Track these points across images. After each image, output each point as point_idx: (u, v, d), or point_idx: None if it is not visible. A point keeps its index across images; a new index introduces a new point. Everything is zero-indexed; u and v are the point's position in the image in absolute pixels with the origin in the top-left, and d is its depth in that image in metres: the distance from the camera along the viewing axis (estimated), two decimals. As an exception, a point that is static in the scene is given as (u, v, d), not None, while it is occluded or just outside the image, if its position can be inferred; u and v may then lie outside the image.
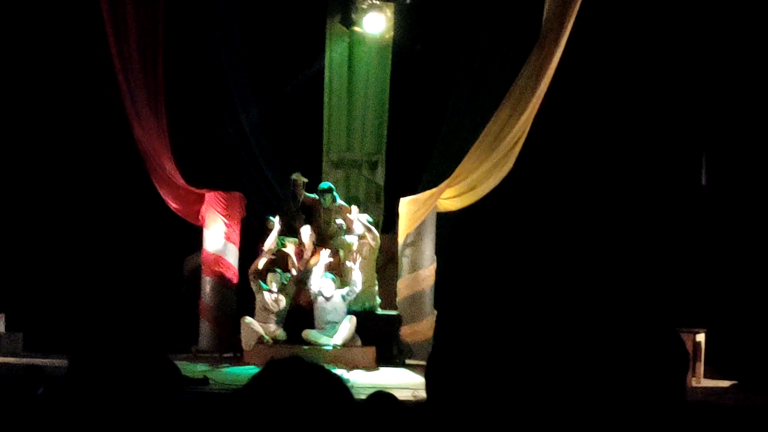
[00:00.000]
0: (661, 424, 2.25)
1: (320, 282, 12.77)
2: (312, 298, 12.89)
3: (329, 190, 13.63)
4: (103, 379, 2.36)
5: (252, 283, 12.91)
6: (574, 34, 12.40)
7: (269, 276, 12.86)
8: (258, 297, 12.89)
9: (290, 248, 13.30)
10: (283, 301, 12.91)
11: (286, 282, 12.98)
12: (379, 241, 13.40)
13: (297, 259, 13.33)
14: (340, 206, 13.69)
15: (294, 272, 13.16)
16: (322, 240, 13.59)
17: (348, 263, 13.06)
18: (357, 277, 12.81)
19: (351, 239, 13.31)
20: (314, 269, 12.93)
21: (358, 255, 13.02)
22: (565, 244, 14.70)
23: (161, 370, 2.43)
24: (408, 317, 13.25)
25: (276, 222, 13.19)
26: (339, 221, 13.37)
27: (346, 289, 12.77)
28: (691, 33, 14.34)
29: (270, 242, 13.07)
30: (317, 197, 13.73)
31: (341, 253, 13.38)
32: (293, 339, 12.70)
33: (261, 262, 12.96)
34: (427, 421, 2.42)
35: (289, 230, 13.64)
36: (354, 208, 13.48)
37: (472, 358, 2.39)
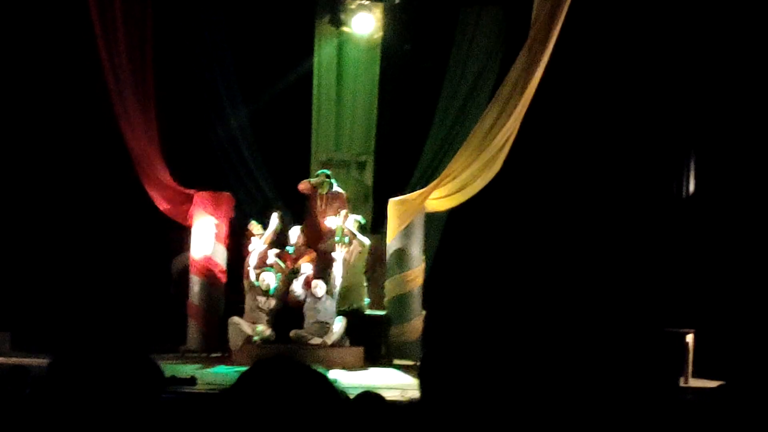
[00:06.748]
0: (654, 424, 2.26)
1: (303, 289, 12.84)
2: (301, 299, 12.90)
3: (326, 177, 13.61)
4: (81, 378, 2.35)
5: (246, 282, 12.89)
6: (563, 35, 12.41)
7: (263, 275, 12.86)
8: (249, 296, 12.88)
9: (272, 254, 13.24)
10: (273, 301, 12.91)
11: (278, 282, 12.98)
12: (367, 246, 13.41)
13: (287, 261, 13.34)
14: (337, 193, 13.65)
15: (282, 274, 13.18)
16: (314, 238, 13.54)
17: (335, 255, 13.03)
18: (337, 270, 12.80)
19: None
20: (294, 282, 12.97)
21: (344, 248, 13.07)
22: (554, 245, 14.73)
23: (142, 369, 2.42)
24: (396, 317, 13.24)
25: (274, 218, 13.21)
26: (331, 221, 13.34)
27: (332, 285, 12.76)
28: (680, 40, 14.39)
29: (268, 234, 13.09)
30: (314, 184, 13.65)
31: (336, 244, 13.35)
32: (282, 339, 12.70)
33: (252, 261, 12.96)
34: (422, 421, 2.42)
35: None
36: (353, 217, 13.46)
37: (466, 358, 2.39)
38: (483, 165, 13.05)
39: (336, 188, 13.68)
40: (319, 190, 13.59)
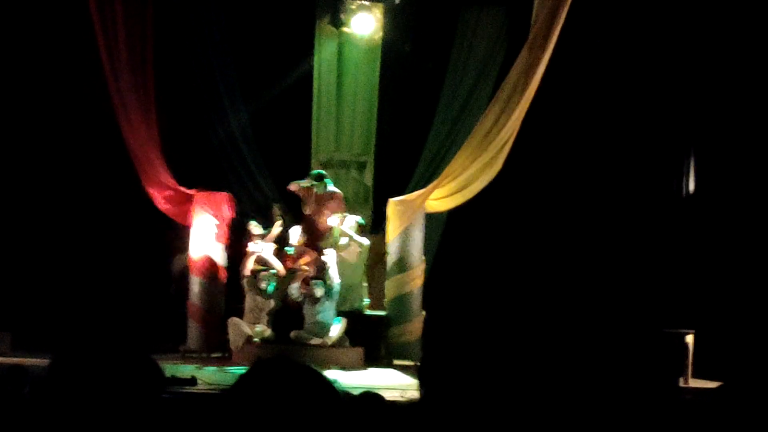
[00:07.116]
0: (654, 424, 2.26)
1: (299, 290, 12.83)
2: (298, 299, 12.88)
3: (320, 178, 13.55)
4: (81, 378, 2.35)
5: (244, 282, 12.90)
6: (563, 35, 12.41)
7: (261, 275, 12.86)
8: (248, 297, 12.88)
9: (269, 253, 13.23)
10: (272, 301, 12.91)
11: (276, 283, 12.98)
12: (366, 246, 13.39)
13: (287, 261, 13.35)
14: (332, 193, 13.60)
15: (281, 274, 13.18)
16: (312, 238, 13.53)
17: (326, 258, 12.98)
18: (333, 271, 12.79)
19: (341, 238, 13.33)
20: (292, 285, 12.95)
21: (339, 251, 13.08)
22: (554, 245, 14.72)
23: (142, 369, 2.42)
24: (396, 318, 13.24)
25: (277, 224, 13.23)
26: (332, 220, 13.31)
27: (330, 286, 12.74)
28: (680, 39, 14.39)
29: (270, 235, 13.11)
30: (308, 185, 13.62)
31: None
32: (282, 339, 12.69)
33: (251, 262, 12.97)
34: (422, 421, 2.42)
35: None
36: (352, 217, 13.43)
37: (466, 358, 2.39)
38: (483, 165, 13.04)
39: (331, 188, 13.63)
40: (315, 190, 13.52)
